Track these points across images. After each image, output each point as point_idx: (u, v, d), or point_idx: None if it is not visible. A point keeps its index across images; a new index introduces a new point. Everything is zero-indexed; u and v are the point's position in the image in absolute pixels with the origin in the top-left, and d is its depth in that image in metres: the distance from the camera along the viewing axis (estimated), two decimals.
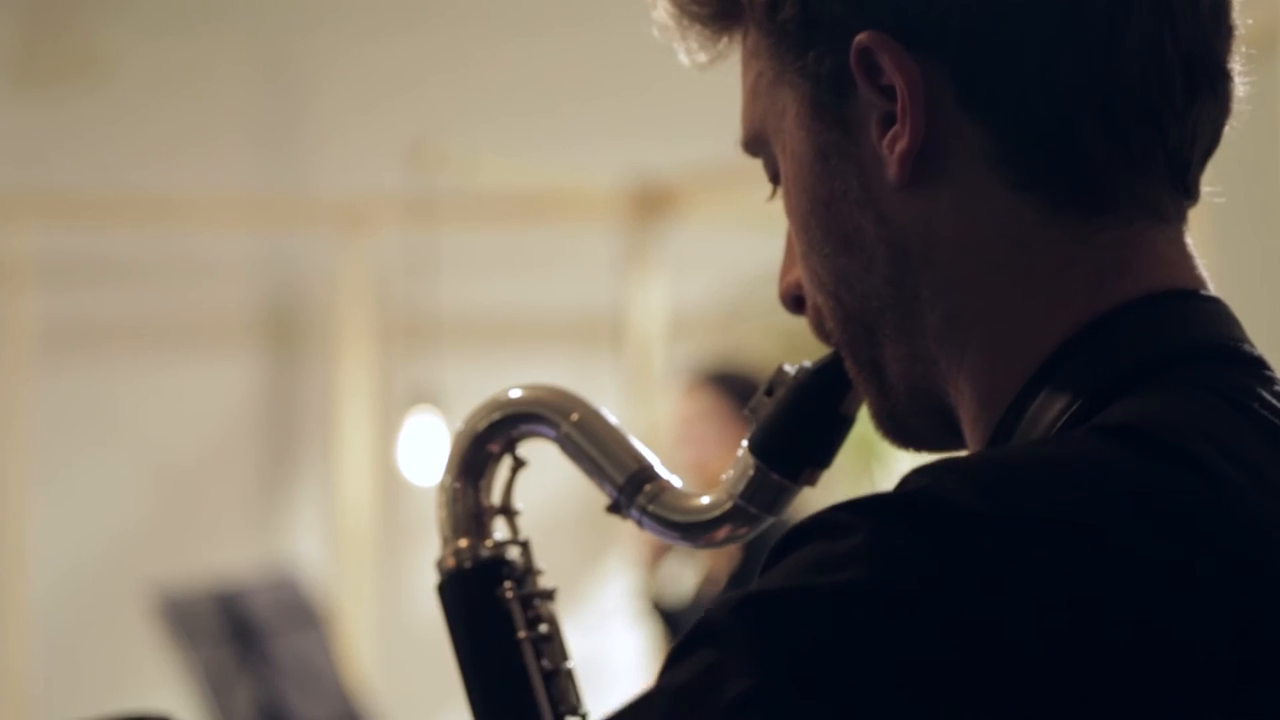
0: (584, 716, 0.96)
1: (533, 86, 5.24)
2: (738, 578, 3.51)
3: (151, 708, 1.47)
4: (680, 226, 4.95)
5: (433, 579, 0.99)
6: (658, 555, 3.52)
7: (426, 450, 4.34)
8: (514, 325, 5.29)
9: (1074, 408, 0.79)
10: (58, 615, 4.98)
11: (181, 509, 5.16)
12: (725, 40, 0.89)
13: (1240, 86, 0.84)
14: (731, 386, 3.54)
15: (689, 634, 0.74)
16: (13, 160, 5.04)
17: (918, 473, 0.75)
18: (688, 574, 3.78)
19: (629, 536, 3.68)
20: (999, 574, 0.70)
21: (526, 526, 1.00)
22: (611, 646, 4.69)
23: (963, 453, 0.84)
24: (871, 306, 0.84)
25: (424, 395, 4.41)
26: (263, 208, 5.25)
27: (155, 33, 5.16)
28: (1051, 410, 0.80)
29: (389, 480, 4.91)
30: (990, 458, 0.78)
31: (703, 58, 0.90)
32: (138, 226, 5.05)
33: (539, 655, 0.96)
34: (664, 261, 4.95)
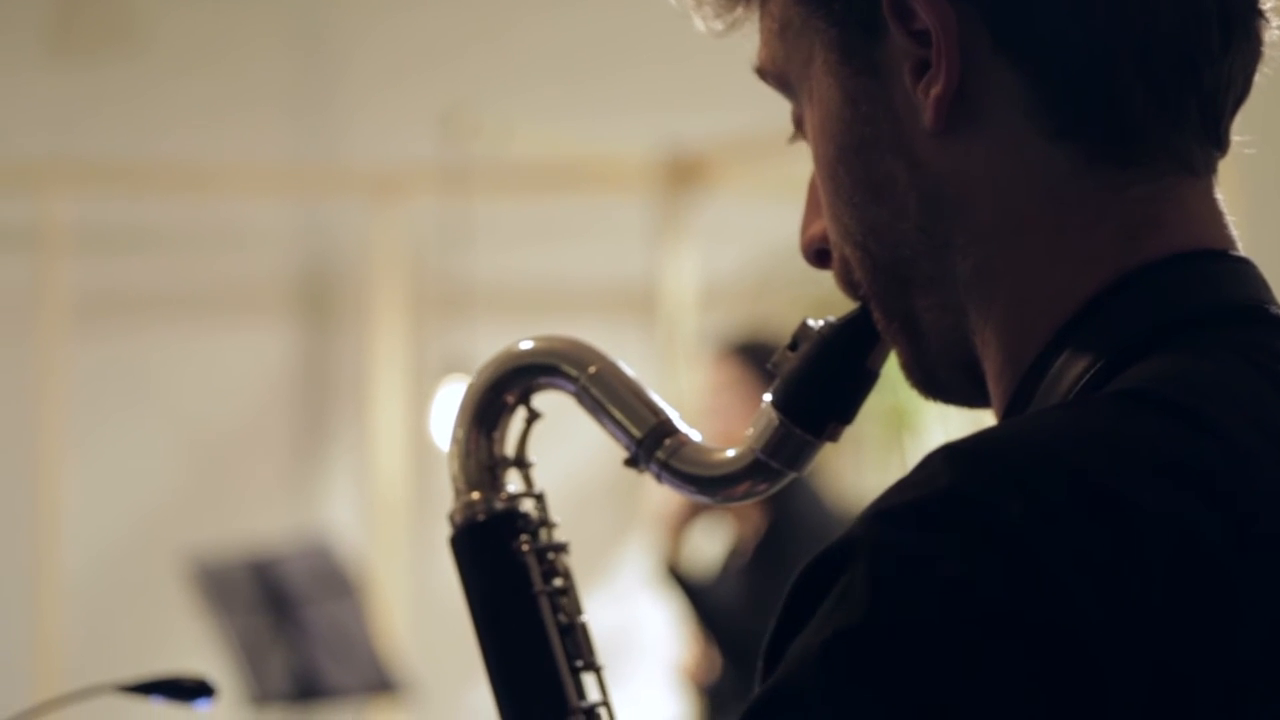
0: (599, 670, 0.95)
1: (566, 56, 5.23)
2: (763, 547, 3.50)
3: (187, 669, 1.48)
4: (712, 197, 4.94)
5: None
6: (683, 522, 3.51)
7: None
8: (546, 294, 5.29)
9: (1097, 366, 0.78)
10: (93, 583, 5.02)
11: (216, 477, 5.18)
12: (741, 7, 0.88)
13: (1276, 30, 0.82)
14: (758, 357, 3.53)
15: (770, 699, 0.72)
16: (49, 128, 5.07)
17: (942, 462, 0.73)
18: (712, 544, 3.77)
19: (655, 505, 3.68)
20: (1054, 570, 0.70)
21: (552, 499, 0.98)
22: (638, 618, 4.70)
23: (978, 425, 0.83)
24: (902, 256, 0.83)
25: (457, 364, 4.42)
26: (297, 177, 5.26)
27: (190, 1, 5.17)
28: (1075, 368, 0.79)
29: (422, 449, 4.93)
30: (1012, 438, 0.76)
31: (719, 25, 0.88)
32: (172, 195, 5.07)
33: (555, 609, 0.95)
34: (696, 231, 4.94)
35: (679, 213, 4.94)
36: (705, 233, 4.94)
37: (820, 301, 4.28)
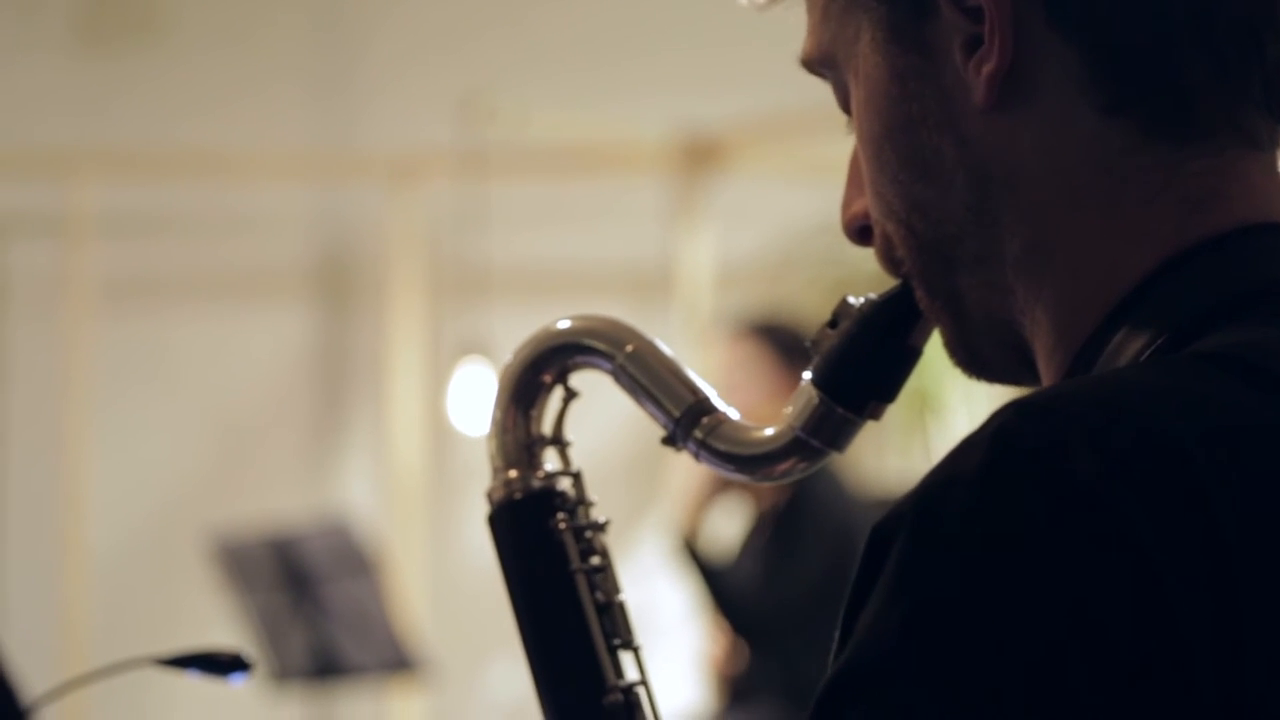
0: (637, 649, 0.95)
1: (582, 40, 5.24)
2: (780, 529, 3.51)
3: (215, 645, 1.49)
4: (728, 179, 4.95)
5: (482, 527, 0.97)
6: (702, 501, 3.53)
7: (476, 400, 4.37)
8: (563, 277, 5.31)
9: (1160, 340, 0.77)
10: (117, 562, 5.05)
11: (237, 457, 5.21)
12: None
13: None
14: (775, 337, 3.55)
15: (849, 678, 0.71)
16: (74, 115, 5.09)
17: (1013, 416, 0.72)
18: (731, 523, 3.79)
19: (675, 484, 3.70)
20: (1129, 526, 0.70)
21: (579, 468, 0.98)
22: (656, 597, 4.72)
23: (1046, 386, 0.81)
24: (948, 234, 0.82)
25: (474, 346, 4.44)
26: (316, 161, 5.28)
27: None
28: (1137, 341, 0.78)
29: (439, 430, 4.95)
30: (1084, 393, 0.74)
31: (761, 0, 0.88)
32: (194, 180, 5.09)
33: (592, 587, 0.95)
34: (712, 214, 4.95)
35: (695, 195, 4.95)
36: (721, 215, 4.95)
37: (838, 283, 4.30)
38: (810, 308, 4.15)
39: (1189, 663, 0.69)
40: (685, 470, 3.55)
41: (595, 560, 0.95)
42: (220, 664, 1.40)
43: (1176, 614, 0.69)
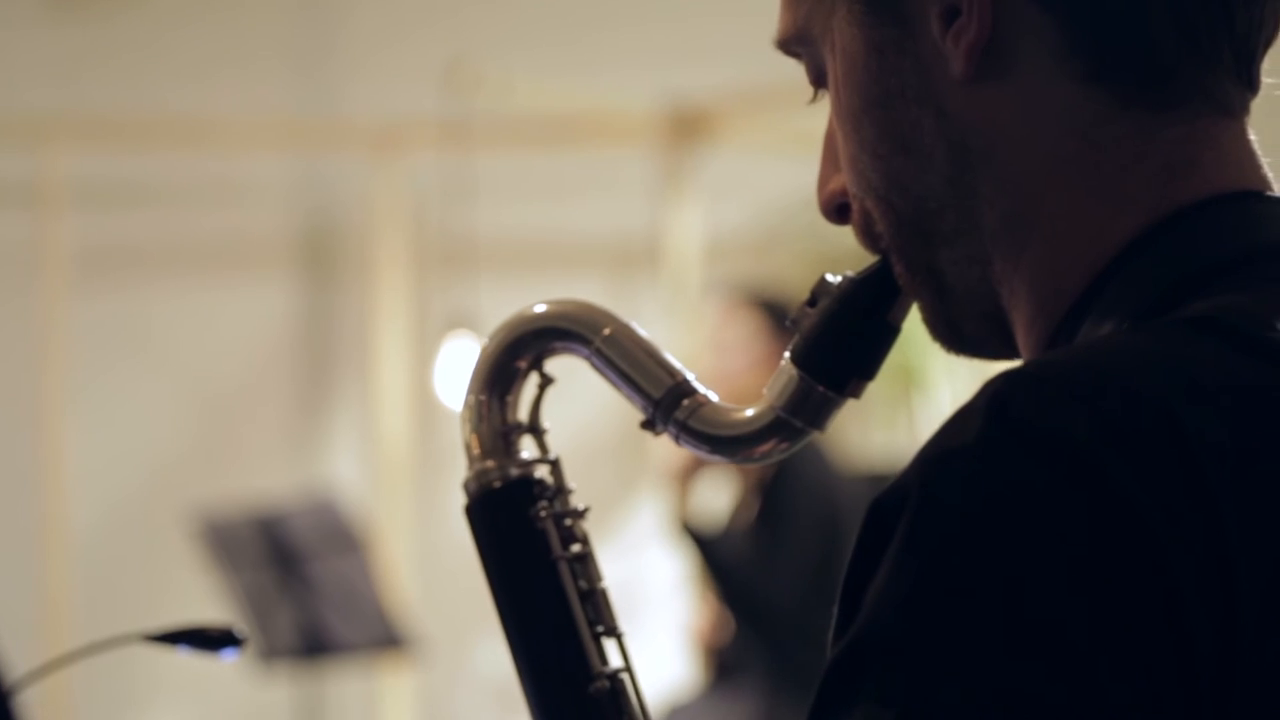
0: (620, 636, 0.95)
1: (568, 9, 5.21)
2: (767, 505, 3.51)
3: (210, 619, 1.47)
4: (715, 151, 4.93)
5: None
6: (688, 476, 3.53)
7: (463, 374, 4.34)
8: (550, 249, 5.28)
9: (1141, 309, 0.78)
10: (99, 540, 5.02)
11: (221, 433, 5.18)
12: None
13: None
14: (766, 308, 3.56)
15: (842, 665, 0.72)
16: (49, 82, 5.04)
17: (1004, 385, 0.73)
18: (718, 497, 3.78)
19: (660, 460, 3.69)
20: (1123, 490, 0.70)
21: (559, 452, 0.97)
22: (645, 572, 4.71)
23: (1032, 358, 0.82)
24: (927, 208, 0.82)
25: (460, 319, 4.41)
26: (298, 130, 5.24)
27: None
28: (1118, 312, 0.78)
29: (425, 404, 4.93)
30: (1073, 361, 0.75)
31: None
32: (174, 149, 5.05)
33: (575, 576, 0.94)
34: (700, 185, 4.93)
35: (682, 167, 4.92)
36: (709, 187, 4.93)
37: (824, 257, 4.27)
38: (796, 281, 4.14)
39: (1185, 616, 0.69)
40: (668, 447, 3.54)
41: (576, 548, 0.95)
42: (211, 639, 1.39)
43: (1171, 569, 0.69)
